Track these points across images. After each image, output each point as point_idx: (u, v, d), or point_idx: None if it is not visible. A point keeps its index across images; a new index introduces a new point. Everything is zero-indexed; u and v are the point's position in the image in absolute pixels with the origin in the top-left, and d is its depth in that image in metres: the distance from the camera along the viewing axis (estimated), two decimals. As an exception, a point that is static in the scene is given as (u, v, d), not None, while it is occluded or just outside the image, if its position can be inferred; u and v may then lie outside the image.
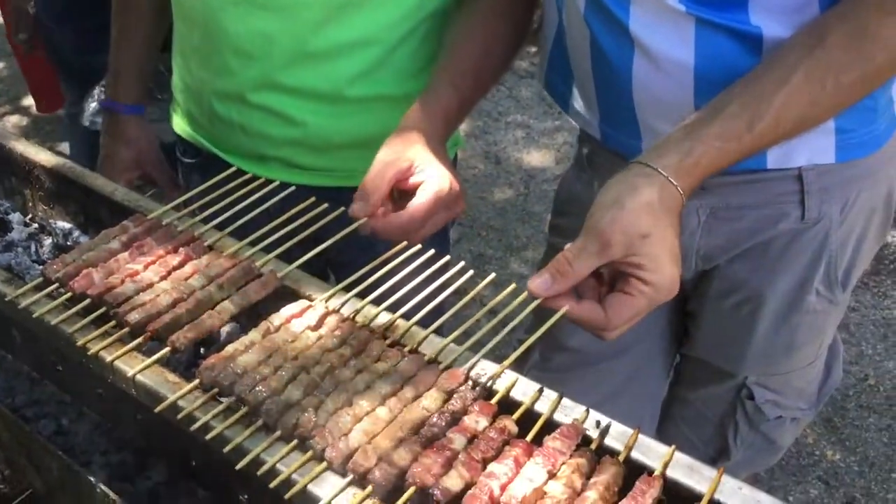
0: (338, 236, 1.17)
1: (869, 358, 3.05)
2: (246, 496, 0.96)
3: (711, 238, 1.39)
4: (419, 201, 1.20)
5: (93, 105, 2.19)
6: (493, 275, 1.14)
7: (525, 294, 1.03)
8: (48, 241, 1.40)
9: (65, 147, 3.18)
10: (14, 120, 4.52)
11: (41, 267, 1.33)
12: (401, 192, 1.23)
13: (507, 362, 0.99)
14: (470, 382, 0.95)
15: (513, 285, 1.08)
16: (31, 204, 1.48)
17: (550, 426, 0.91)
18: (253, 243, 1.17)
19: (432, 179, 1.21)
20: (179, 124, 1.72)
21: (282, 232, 1.18)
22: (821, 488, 2.61)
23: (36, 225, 1.43)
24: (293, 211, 1.21)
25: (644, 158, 1.03)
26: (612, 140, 1.36)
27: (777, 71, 1.05)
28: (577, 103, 1.40)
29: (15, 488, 1.30)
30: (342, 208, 1.23)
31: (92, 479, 1.04)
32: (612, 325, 1.00)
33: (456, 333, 1.02)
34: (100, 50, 1.89)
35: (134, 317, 1.01)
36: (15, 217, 1.45)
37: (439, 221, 1.22)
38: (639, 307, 0.99)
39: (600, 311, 1.00)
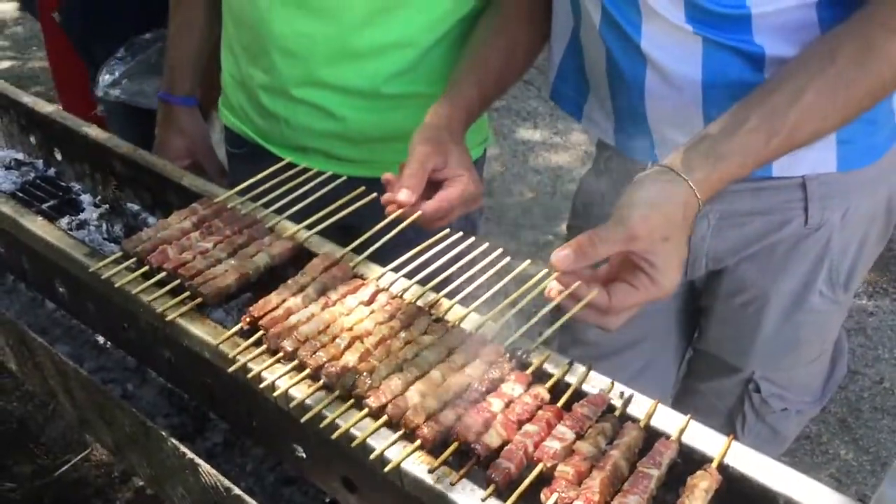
0: (381, 224, 1.26)
1: (885, 362, 3.11)
2: (301, 449, 1.07)
3: (720, 241, 1.46)
4: (447, 194, 1.30)
5: (106, 77, 2.33)
6: (527, 261, 1.24)
7: (550, 281, 1.11)
8: (118, 221, 1.52)
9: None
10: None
11: (112, 244, 1.46)
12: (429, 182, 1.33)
13: (540, 339, 1.09)
14: (507, 355, 1.05)
15: (545, 270, 1.17)
16: (101, 187, 1.59)
17: (579, 397, 1.01)
18: (307, 228, 1.28)
19: (461, 177, 1.32)
20: (228, 117, 1.83)
21: (333, 219, 1.29)
22: (833, 485, 2.67)
23: (106, 206, 1.55)
24: (345, 199, 1.32)
25: (673, 166, 1.08)
26: (626, 147, 1.44)
27: (791, 86, 1.10)
28: (593, 111, 1.48)
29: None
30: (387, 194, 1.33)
31: (164, 433, 1.16)
32: (614, 310, 1.07)
33: (493, 312, 1.13)
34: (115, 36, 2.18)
35: (207, 289, 1.13)
36: (86, 198, 1.57)
37: (458, 214, 1.34)
38: (639, 300, 1.06)
39: (606, 295, 1.06)
